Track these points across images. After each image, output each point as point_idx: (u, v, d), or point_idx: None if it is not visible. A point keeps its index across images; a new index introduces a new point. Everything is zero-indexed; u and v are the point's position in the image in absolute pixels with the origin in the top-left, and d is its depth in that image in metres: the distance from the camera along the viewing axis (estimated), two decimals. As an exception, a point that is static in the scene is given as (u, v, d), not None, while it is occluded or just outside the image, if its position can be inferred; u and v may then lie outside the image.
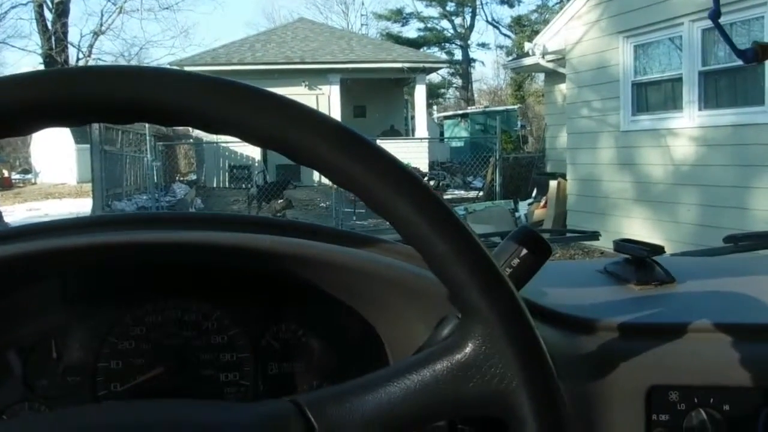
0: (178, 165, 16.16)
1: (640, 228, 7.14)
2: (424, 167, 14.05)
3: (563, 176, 9.03)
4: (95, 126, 11.24)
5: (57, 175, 19.36)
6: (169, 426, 0.44)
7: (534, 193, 10.47)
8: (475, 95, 31.55)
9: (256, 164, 14.79)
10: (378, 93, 17.55)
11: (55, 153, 19.14)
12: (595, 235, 1.34)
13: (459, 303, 0.47)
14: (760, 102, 6.12)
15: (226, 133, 0.43)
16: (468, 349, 0.46)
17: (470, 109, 21.53)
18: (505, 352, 0.45)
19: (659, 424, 0.75)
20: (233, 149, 14.84)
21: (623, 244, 0.97)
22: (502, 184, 11.56)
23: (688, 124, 6.91)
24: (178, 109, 0.41)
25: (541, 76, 13.60)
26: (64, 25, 18.94)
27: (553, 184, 9.16)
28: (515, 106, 20.38)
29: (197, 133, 15.32)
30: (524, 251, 0.65)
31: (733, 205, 6.30)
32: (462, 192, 14.00)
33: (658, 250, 0.95)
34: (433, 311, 0.70)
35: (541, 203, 9.55)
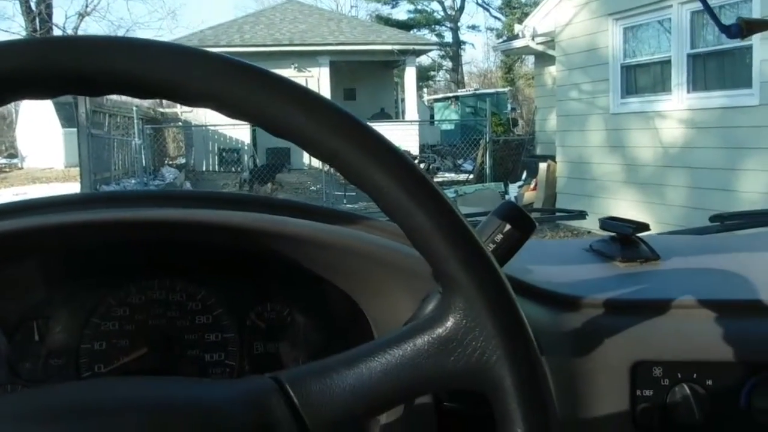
0: (166, 149, 16.00)
1: (628, 210, 7.17)
2: (415, 150, 14.02)
3: (553, 159, 9.04)
4: (82, 109, 11.10)
5: (43, 159, 19.11)
6: (147, 402, 0.43)
7: (524, 176, 10.48)
8: (466, 78, 31.47)
9: (246, 147, 14.73)
10: (368, 75, 17.47)
11: (41, 137, 18.88)
12: (582, 215, 1.34)
13: (439, 276, 0.46)
14: (748, 85, 6.13)
15: (203, 106, 0.42)
16: (449, 323, 0.46)
17: (460, 92, 21.46)
18: (485, 326, 0.45)
19: (643, 399, 0.76)
20: (222, 132, 14.76)
21: (609, 222, 0.97)
22: (493, 167, 11.56)
23: (676, 107, 6.92)
24: (153, 80, 0.41)
25: (531, 59, 13.58)
26: (49, 6, 18.68)
27: (542, 166, 9.17)
28: (505, 89, 20.35)
29: (186, 116, 15.24)
30: (508, 227, 0.64)
31: (720, 187, 6.33)
32: (452, 175, 13.98)
33: (643, 227, 0.95)
34: (418, 289, 0.70)
35: (531, 186, 9.57)
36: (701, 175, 6.58)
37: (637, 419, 0.76)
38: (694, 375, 0.76)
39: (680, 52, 6.83)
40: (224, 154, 15.20)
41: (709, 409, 0.75)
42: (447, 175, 14.04)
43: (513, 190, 10.10)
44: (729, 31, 0.78)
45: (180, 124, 15.91)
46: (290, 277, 0.87)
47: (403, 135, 12.16)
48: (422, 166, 12.54)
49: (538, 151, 11.10)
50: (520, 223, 0.65)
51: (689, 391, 0.75)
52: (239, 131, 14.06)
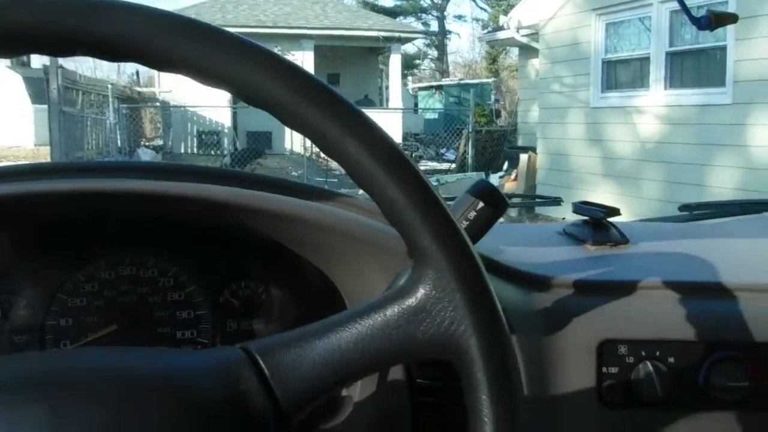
0: (143, 129, 15.71)
1: (605, 202, 7.20)
2: (398, 138, 13.99)
3: (534, 150, 9.09)
4: (54, 85, 10.62)
5: (11, 137, 18.50)
6: (111, 370, 0.43)
7: (505, 167, 10.54)
8: (450, 68, 31.40)
9: (226, 130, 14.60)
10: (352, 61, 17.38)
11: (9, 113, 18.25)
12: (557, 201, 1.37)
13: (410, 248, 0.47)
14: (722, 84, 6.23)
15: (173, 70, 0.42)
16: (419, 294, 0.46)
17: (445, 81, 21.45)
18: (454, 296, 0.46)
19: (609, 377, 0.78)
20: (202, 114, 14.57)
21: (581, 206, 1.00)
22: (474, 157, 11.58)
23: (654, 103, 7.00)
24: (120, 42, 0.40)
25: (516, 51, 13.59)
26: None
27: (523, 157, 9.22)
28: (489, 80, 20.35)
29: (165, 96, 15.02)
30: (481, 204, 0.66)
31: (693, 182, 6.44)
32: (435, 163, 13.98)
33: (614, 212, 0.98)
34: (393, 266, 0.70)
35: (512, 176, 9.62)
36: (676, 169, 6.68)
37: (603, 395, 0.78)
38: (657, 353, 0.79)
39: (659, 50, 6.91)
40: (203, 136, 15.00)
41: (670, 385, 0.78)
42: (429, 163, 14.04)
43: (494, 180, 10.14)
44: (699, 23, 0.81)
45: (158, 104, 15.66)
46: (265, 254, 0.87)
47: (387, 122, 12.15)
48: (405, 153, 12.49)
49: (520, 142, 11.15)
50: (493, 201, 0.67)
51: (652, 369, 0.77)
52: (219, 113, 13.88)
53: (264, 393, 0.44)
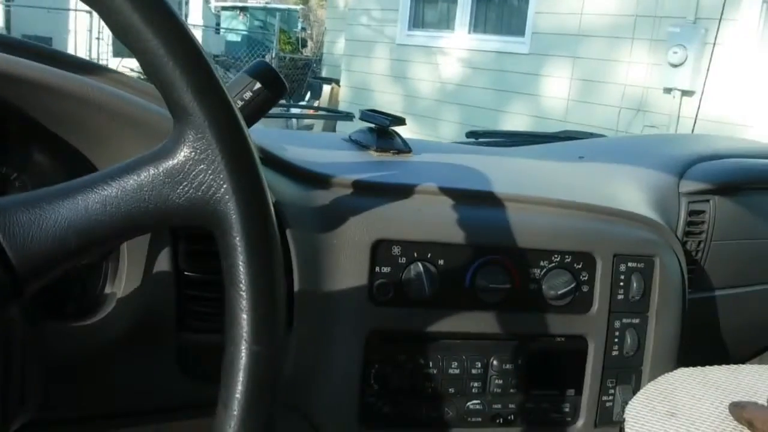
0: None
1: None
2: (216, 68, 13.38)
3: (338, 82, 9.11)
4: None
5: None
6: None
7: (308, 97, 10.47)
8: (258, -9, 30.43)
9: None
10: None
11: None
12: (349, 116, 1.36)
13: (171, 106, 0.43)
14: (521, 33, 6.57)
15: None
16: (177, 155, 0.43)
17: (250, 3, 20.74)
18: (214, 159, 0.43)
19: (381, 276, 0.80)
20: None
21: (368, 113, 1.00)
22: (277, 85, 11.38)
23: (458, 45, 7.25)
24: None
25: (326, -20, 13.43)
26: None
27: (326, 88, 9.21)
28: (297, 7, 20.00)
29: None
30: (258, 85, 0.63)
31: (490, 127, 6.80)
32: (236, 89, 13.57)
33: (400, 121, 0.98)
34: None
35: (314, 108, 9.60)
36: (473, 112, 7.01)
37: (374, 294, 0.79)
38: (429, 255, 0.81)
39: (466, -8, 7.14)
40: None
41: (439, 285, 0.80)
42: (230, 88, 13.60)
43: (295, 110, 10.07)
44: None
45: None
46: (17, 133, 0.78)
47: (187, 40, 11.49)
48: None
49: (324, 73, 11.11)
50: (271, 82, 0.64)
51: (422, 269, 0.80)
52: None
53: None
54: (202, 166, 0.43)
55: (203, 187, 0.43)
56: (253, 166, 0.45)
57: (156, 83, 0.43)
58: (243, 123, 0.45)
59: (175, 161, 0.44)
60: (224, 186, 0.43)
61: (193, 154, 0.43)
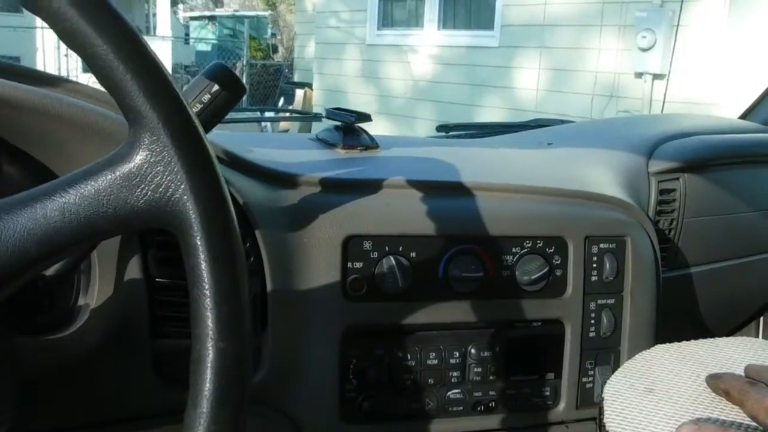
0: None
1: (379, 139, 7.46)
2: (168, 70, 13.31)
3: (310, 86, 9.10)
4: None
5: None
6: None
7: (281, 102, 10.44)
8: (226, -1, 30.31)
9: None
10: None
11: None
12: (317, 117, 1.36)
13: (125, 111, 0.43)
14: (490, 27, 6.60)
15: None
16: (134, 159, 0.43)
17: (219, 12, 20.65)
18: (171, 160, 0.43)
19: (354, 271, 0.80)
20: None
21: (333, 111, 1.00)
22: (250, 92, 11.37)
23: (428, 42, 7.26)
24: None
25: (293, -16, 13.40)
26: None
27: (299, 93, 9.19)
28: (266, 13, 19.95)
29: None
30: (216, 87, 0.63)
31: (462, 121, 6.81)
32: (209, 98, 13.51)
33: (365, 117, 0.98)
34: None
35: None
36: (446, 108, 7.02)
37: (347, 290, 0.79)
38: (400, 248, 0.81)
39: (433, -11, 7.16)
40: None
41: (412, 278, 0.81)
42: (203, 98, 13.52)
43: (270, 115, 10.03)
44: None
45: None
46: None
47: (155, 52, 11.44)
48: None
49: (297, 78, 11.09)
50: (229, 84, 0.63)
51: (395, 263, 0.80)
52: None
53: None
54: (158, 167, 0.43)
55: (161, 189, 0.43)
56: (210, 165, 0.45)
57: (108, 88, 0.43)
58: (197, 122, 0.45)
59: (132, 165, 0.43)
60: (182, 186, 0.43)
61: (149, 156, 0.43)
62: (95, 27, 0.41)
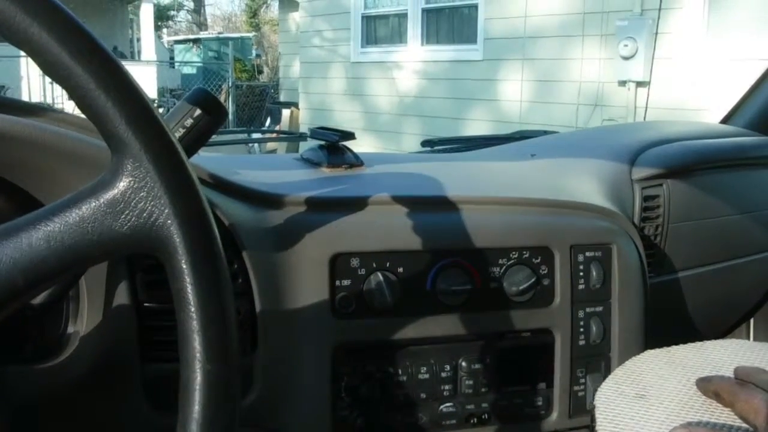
0: None
1: (367, 155, 7.48)
2: (153, 93, 13.31)
3: (296, 106, 9.12)
4: None
5: None
6: None
7: (268, 123, 10.46)
8: (209, 20, 30.35)
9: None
10: (99, 9, 16.11)
11: None
12: (302, 137, 1.37)
13: (107, 138, 0.44)
14: (473, 41, 6.65)
15: None
16: (117, 185, 0.44)
17: (203, 35, 20.71)
18: (153, 186, 0.44)
19: (342, 289, 0.80)
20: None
21: (317, 131, 1.00)
22: (236, 113, 11.39)
23: (412, 58, 7.31)
24: None
25: (277, 4, 13.47)
26: None
27: (286, 113, 9.22)
28: (250, 34, 20.01)
29: None
30: (198, 111, 0.63)
31: (449, 135, 6.85)
32: (195, 121, 13.50)
33: (349, 136, 0.99)
34: None
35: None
36: (432, 123, 7.06)
37: (336, 307, 0.80)
38: (388, 264, 0.81)
39: (416, 6, 7.20)
40: None
41: (400, 293, 0.81)
42: (189, 121, 13.51)
43: (257, 136, 10.05)
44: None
45: None
46: None
47: (140, 77, 11.48)
48: (162, 111, 11.99)
49: (282, 97, 11.13)
50: (212, 108, 0.64)
51: (383, 279, 0.80)
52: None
53: None
54: (142, 193, 0.44)
55: (145, 214, 0.44)
56: (193, 188, 0.45)
57: (90, 117, 0.43)
58: (179, 147, 0.45)
59: (116, 191, 0.44)
60: (165, 211, 0.44)
61: (132, 182, 0.44)
62: (76, 58, 0.41)
